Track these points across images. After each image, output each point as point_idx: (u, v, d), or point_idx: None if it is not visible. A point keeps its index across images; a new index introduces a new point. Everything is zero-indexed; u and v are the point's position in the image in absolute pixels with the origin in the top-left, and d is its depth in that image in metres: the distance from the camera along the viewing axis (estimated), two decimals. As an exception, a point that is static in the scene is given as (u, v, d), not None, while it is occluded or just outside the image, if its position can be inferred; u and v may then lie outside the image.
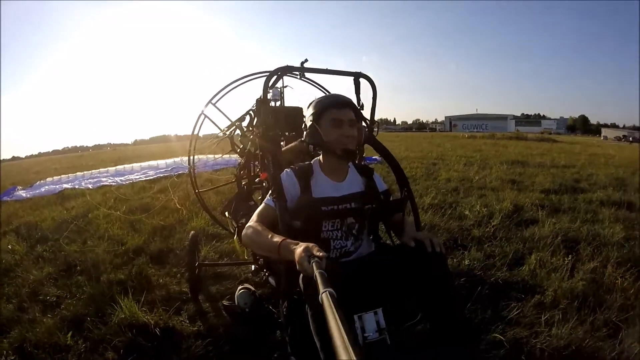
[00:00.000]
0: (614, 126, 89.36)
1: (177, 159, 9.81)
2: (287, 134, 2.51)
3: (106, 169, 10.54)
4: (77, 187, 7.89)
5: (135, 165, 10.46)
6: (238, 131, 2.66)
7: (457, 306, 1.42)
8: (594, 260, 2.78)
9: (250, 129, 2.56)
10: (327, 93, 3.07)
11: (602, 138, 51.19)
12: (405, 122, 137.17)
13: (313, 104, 1.61)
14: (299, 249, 1.15)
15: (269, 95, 2.57)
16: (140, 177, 8.60)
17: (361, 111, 2.03)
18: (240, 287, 2.38)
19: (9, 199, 7.40)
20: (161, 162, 10.32)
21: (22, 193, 7.91)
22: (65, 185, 8.15)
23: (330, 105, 1.56)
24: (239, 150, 2.68)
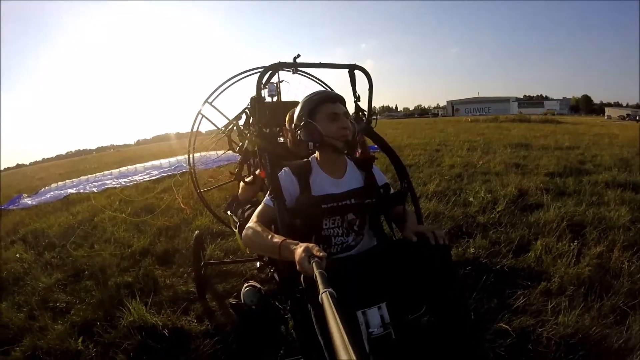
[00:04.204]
0: (617, 105, 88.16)
1: (180, 158, 9.82)
2: (283, 128, 2.50)
3: (110, 171, 10.57)
4: (81, 191, 7.94)
5: (139, 166, 10.51)
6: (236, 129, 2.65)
7: (461, 299, 1.41)
8: (600, 244, 2.76)
9: (247, 127, 2.55)
10: (324, 85, 3.05)
11: (605, 117, 50.51)
12: (407, 109, 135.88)
13: (302, 102, 1.60)
14: (299, 249, 1.14)
15: (265, 92, 2.56)
16: (144, 178, 8.64)
17: (358, 102, 2.02)
18: (246, 284, 2.39)
19: (15, 207, 7.45)
20: (164, 162, 10.34)
21: (28, 201, 7.96)
22: (70, 190, 8.19)
23: (322, 100, 1.55)
24: (237, 148, 2.67)
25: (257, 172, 2.23)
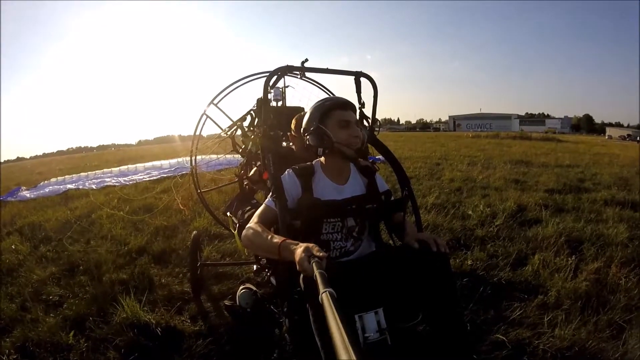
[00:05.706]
0: (618, 125, 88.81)
1: (180, 159, 9.82)
2: (288, 133, 2.51)
3: (110, 169, 10.59)
4: (80, 187, 7.93)
5: (139, 165, 10.51)
6: (239, 131, 2.67)
7: (458, 308, 1.41)
8: (598, 260, 2.76)
9: (252, 129, 2.56)
10: (329, 93, 3.08)
11: (606, 137, 50.85)
12: (409, 122, 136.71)
13: (313, 107, 1.59)
14: (299, 249, 1.14)
15: (271, 96, 2.58)
16: (143, 178, 8.62)
17: (362, 110, 2.03)
18: (241, 287, 2.38)
19: (13, 199, 7.44)
20: (165, 163, 10.35)
21: (26, 193, 7.95)
22: (69, 186, 8.18)
23: (334, 106, 1.54)
24: (240, 150, 2.69)
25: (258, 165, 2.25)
